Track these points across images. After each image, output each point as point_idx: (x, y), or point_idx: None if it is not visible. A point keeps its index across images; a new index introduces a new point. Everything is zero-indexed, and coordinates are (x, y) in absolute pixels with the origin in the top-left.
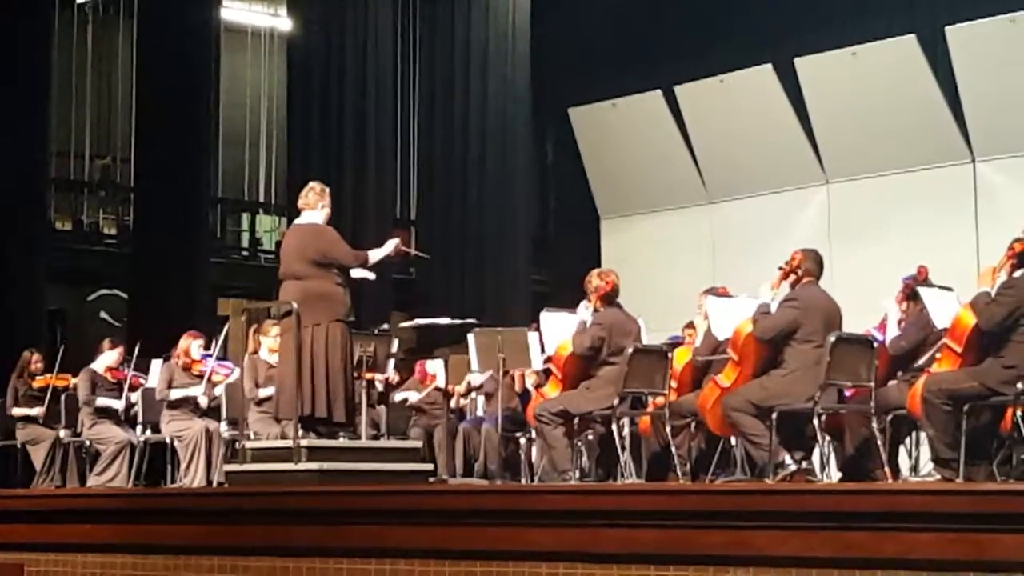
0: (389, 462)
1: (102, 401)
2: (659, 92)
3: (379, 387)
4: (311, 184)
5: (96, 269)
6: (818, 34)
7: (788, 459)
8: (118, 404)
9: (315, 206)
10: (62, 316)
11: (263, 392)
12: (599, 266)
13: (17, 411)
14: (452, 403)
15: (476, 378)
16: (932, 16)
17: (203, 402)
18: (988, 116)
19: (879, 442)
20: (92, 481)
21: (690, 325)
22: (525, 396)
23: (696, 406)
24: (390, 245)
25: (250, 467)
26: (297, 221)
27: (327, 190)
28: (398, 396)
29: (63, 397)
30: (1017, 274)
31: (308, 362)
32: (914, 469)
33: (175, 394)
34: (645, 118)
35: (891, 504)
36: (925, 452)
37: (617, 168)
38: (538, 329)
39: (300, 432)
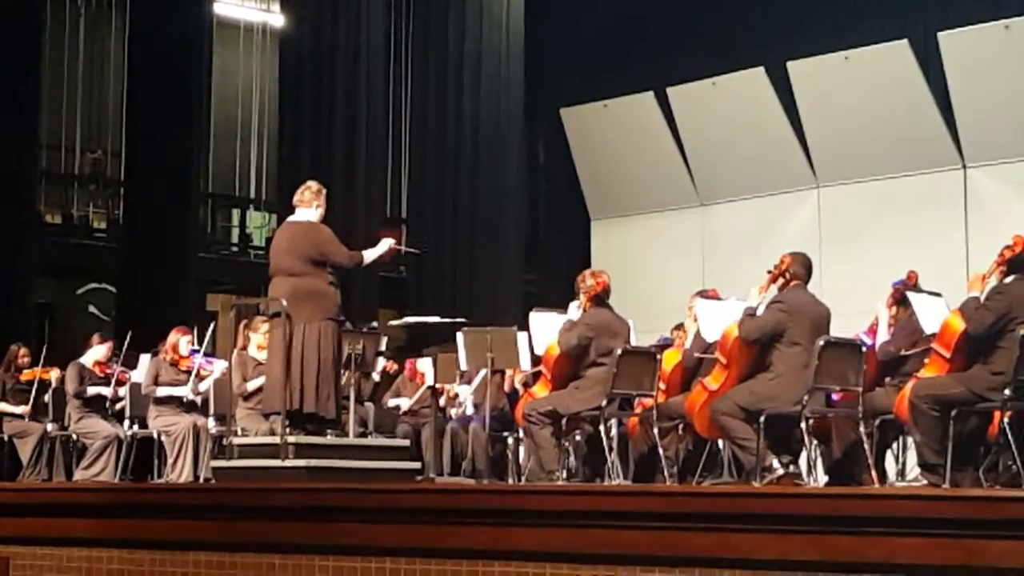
0: (377, 460)
1: (93, 389)
2: (651, 93)
3: (376, 378)
4: (308, 183)
5: (85, 263)
6: (810, 38)
7: (775, 463)
8: (107, 391)
9: (310, 204)
10: (51, 310)
11: (251, 384)
12: (589, 267)
13: (2, 407)
14: (440, 402)
15: (463, 390)
16: (925, 21)
17: (196, 399)
18: (979, 122)
19: (866, 446)
20: (79, 475)
21: (679, 327)
22: (513, 396)
23: (684, 408)
24: (384, 245)
25: (237, 463)
26: (291, 218)
27: (324, 191)
28: (390, 402)
29: (50, 391)
30: (1007, 280)
31: (298, 359)
32: (901, 474)
33: (161, 391)
34: (637, 119)
35: (877, 509)
36: (912, 457)
37: (608, 169)
38: (527, 329)
39: (288, 429)
